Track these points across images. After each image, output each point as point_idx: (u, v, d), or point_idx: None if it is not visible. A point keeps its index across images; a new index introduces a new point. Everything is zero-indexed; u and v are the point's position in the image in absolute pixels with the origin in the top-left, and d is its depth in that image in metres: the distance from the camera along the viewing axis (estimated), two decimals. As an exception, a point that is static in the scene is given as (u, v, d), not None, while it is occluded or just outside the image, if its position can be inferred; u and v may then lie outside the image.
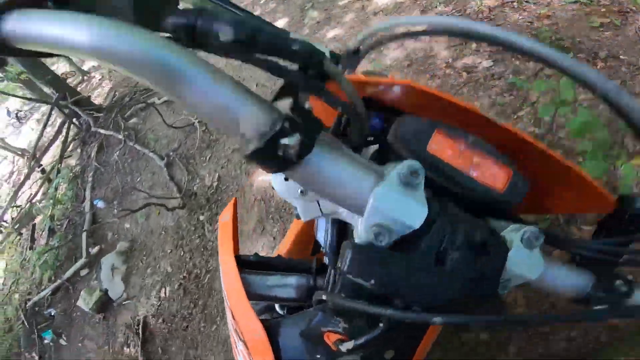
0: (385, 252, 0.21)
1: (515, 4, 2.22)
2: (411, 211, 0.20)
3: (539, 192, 0.28)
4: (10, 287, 3.91)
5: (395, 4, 2.75)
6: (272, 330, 0.32)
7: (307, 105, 0.19)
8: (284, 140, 0.17)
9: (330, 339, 0.29)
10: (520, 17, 2.14)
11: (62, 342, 2.80)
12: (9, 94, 4.63)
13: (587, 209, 0.29)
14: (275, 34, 0.18)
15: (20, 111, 9.32)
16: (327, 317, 0.30)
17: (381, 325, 0.23)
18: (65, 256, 2.99)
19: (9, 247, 4.38)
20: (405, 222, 0.20)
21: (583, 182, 0.26)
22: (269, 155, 0.18)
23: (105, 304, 2.52)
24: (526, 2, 2.20)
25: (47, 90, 3.93)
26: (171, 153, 2.71)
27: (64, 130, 3.77)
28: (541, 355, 1.09)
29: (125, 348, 2.28)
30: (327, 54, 0.26)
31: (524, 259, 0.23)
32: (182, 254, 2.21)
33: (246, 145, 0.18)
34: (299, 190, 0.30)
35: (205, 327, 1.97)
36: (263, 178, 2.16)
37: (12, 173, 6.96)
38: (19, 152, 6.29)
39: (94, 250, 2.73)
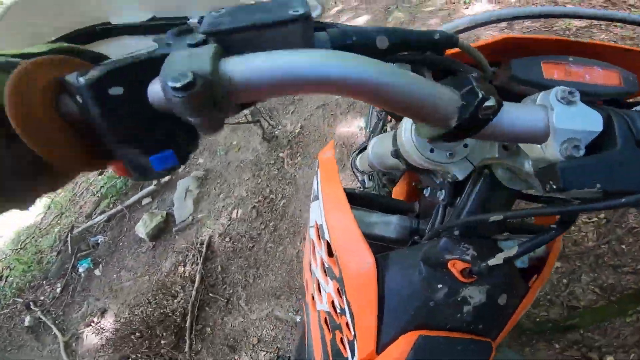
0: (590, 158, 0.21)
1: (602, 25, 2.47)
2: (589, 119, 0.22)
3: None
4: (51, 222, 4.06)
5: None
6: (378, 263, 0.32)
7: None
8: (488, 103, 0.19)
9: (457, 267, 0.29)
10: (605, 37, 2.38)
11: (97, 272, 2.86)
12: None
13: None
14: (421, 33, 0.23)
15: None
16: (453, 243, 0.31)
17: (516, 246, 0.26)
18: (132, 184, 3.17)
19: (61, 189, 4.61)
20: (589, 129, 0.22)
21: None
22: (472, 122, 0.20)
23: (162, 231, 2.63)
24: (614, 25, 2.46)
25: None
26: (257, 104, 2.95)
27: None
28: (612, 285, 1.19)
29: (179, 267, 2.34)
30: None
31: None
32: (259, 181, 2.37)
33: (444, 124, 0.20)
34: (447, 154, 0.33)
35: (272, 247, 2.06)
36: (345, 129, 2.36)
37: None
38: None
39: (165, 178, 2.90)
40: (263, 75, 0.15)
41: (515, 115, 0.22)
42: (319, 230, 0.38)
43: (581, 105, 0.22)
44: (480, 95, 0.19)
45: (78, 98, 0.15)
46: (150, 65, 0.15)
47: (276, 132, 2.64)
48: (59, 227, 3.82)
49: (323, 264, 0.37)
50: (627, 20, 0.35)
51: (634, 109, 0.26)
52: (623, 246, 1.25)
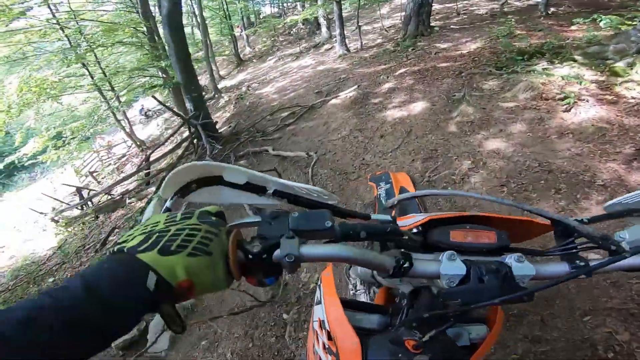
0: (458, 287, 0.45)
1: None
2: (458, 268, 0.44)
3: (517, 234, 0.57)
4: (51, 268, 3.89)
5: (597, 130, 2.35)
6: (362, 343, 0.51)
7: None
8: (405, 265, 0.45)
9: (409, 344, 0.47)
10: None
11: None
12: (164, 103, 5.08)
13: (534, 236, 0.58)
14: (379, 227, 0.47)
15: (150, 110, 10.85)
16: (408, 330, 0.50)
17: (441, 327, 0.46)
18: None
19: (80, 229, 4.49)
20: (458, 273, 0.44)
21: (531, 224, 0.54)
22: (400, 271, 0.45)
23: (134, 344, 2.19)
24: None
25: (188, 105, 4.23)
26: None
27: (183, 147, 3.97)
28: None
29: None
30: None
31: (520, 267, 0.45)
32: (249, 346, 1.82)
33: (386, 272, 0.45)
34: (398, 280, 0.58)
35: None
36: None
37: (123, 155, 7.83)
38: (138, 142, 7.12)
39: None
40: (316, 256, 0.40)
41: (423, 267, 0.45)
42: (321, 323, 0.60)
43: (457, 261, 0.45)
44: (401, 262, 0.44)
45: (246, 253, 0.39)
46: (274, 245, 0.39)
47: (286, 278, 2.12)
48: (54, 278, 3.65)
49: (324, 345, 0.57)
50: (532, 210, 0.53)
51: (503, 255, 0.48)
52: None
